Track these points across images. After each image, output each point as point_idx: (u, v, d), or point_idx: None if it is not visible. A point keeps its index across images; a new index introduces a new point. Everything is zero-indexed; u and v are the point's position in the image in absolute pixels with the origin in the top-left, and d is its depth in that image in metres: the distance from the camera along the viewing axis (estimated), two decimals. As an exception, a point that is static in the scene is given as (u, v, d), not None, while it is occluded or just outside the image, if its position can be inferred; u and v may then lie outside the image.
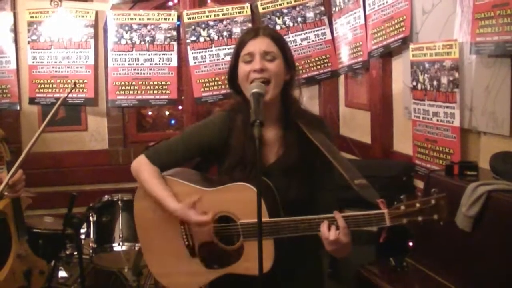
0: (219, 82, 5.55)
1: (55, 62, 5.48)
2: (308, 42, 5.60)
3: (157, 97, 5.60)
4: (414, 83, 4.00)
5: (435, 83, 3.74)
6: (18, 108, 5.52)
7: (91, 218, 4.45)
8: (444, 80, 3.64)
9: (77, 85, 5.26)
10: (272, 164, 2.68)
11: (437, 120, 3.74)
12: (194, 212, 2.61)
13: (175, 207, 2.66)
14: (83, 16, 5.49)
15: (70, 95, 5.33)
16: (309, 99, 5.83)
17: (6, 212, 3.59)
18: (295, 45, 5.55)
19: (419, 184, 4.04)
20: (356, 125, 5.38)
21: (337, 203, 2.61)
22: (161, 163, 2.80)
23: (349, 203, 2.69)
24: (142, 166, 2.80)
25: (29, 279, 3.73)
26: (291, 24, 5.59)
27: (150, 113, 6.25)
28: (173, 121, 6.29)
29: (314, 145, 2.61)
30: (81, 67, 5.51)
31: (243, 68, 2.64)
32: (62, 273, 4.67)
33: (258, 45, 2.62)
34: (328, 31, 5.57)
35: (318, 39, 5.59)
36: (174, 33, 5.59)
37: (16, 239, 3.68)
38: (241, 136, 2.68)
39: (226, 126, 2.76)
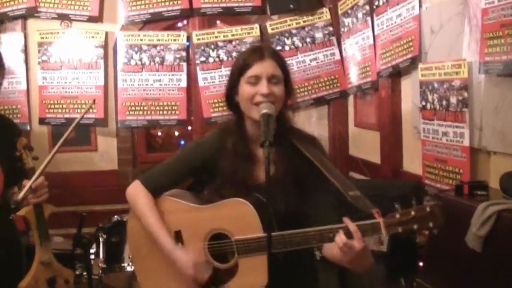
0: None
1: (65, 82, 5.53)
2: (317, 63, 5.62)
3: (167, 117, 5.63)
4: (423, 103, 3.98)
5: (444, 102, 3.73)
6: (28, 128, 5.55)
7: (100, 238, 4.46)
8: (453, 99, 3.63)
9: (95, 104, 5.29)
10: (264, 182, 2.67)
11: (447, 140, 3.72)
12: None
13: (167, 246, 2.67)
14: (93, 37, 5.53)
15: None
16: (318, 119, 5.83)
17: (29, 218, 3.61)
18: (304, 66, 5.57)
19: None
20: (365, 145, 5.36)
21: (335, 215, 2.58)
22: (156, 187, 2.78)
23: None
24: (137, 192, 2.79)
25: (53, 287, 3.73)
26: (300, 45, 5.61)
27: (159, 133, 6.26)
28: (182, 142, 6.29)
29: (307, 161, 2.62)
30: (91, 88, 5.55)
31: (247, 89, 2.62)
32: (72, 293, 4.67)
33: (266, 68, 2.61)
34: (337, 51, 5.60)
35: (327, 60, 5.61)
36: (184, 53, 5.62)
37: (39, 246, 3.69)
38: (231, 156, 2.67)
39: (217, 145, 2.75)
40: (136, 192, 2.79)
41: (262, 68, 2.62)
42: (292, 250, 2.45)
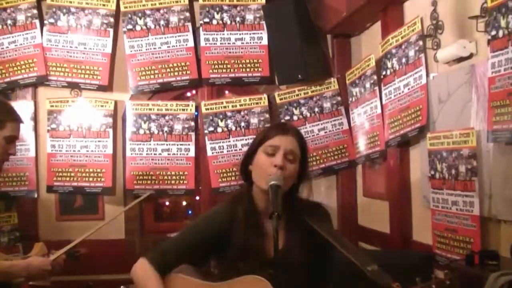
0: (237, 173, 5.53)
1: (73, 151, 5.53)
2: (325, 132, 5.63)
3: (175, 187, 5.60)
4: (432, 172, 3.96)
5: (453, 171, 3.70)
6: (36, 196, 5.53)
7: (106, 308, 4.41)
8: (462, 168, 3.60)
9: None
10: (276, 256, 2.64)
11: (456, 209, 3.68)
12: None
13: None
14: (102, 106, 5.56)
15: (88, 184, 5.48)
16: (327, 189, 5.79)
17: None
18: (312, 135, 5.59)
19: (440, 274, 3.93)
20: (374, 215, 5.31)
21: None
22: (165, 265, 2.73)
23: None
24: (143, 272, 2.74)
25: None
26: (308, 115, 5.64)
27: (167, 203, 6.23)
28: (190, 211, 6.25)
29: (317, 235, 2.61)
30: (99, 157, 5.54)
31: (262, 158, 2.65)
32: None
33: (286, 143, 2.66)
34: (345, 121, 5.61)
35: (335, 129, 5.62)
36: (192, 123, 5.64)
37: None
38: (242, 227, 2.67)
39: (227, 218, 2.75)
40: (143, 271, 2.73)
41: (284, 141, 2.67)
42: None
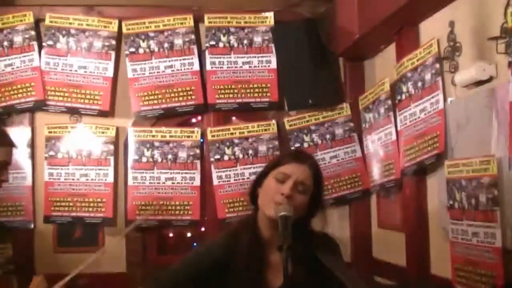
0: (245, 203, 5.33)
1: (72, 179, 5.37)
2: (337, 160, 5.47)
3: (179, 217, 5.44)
4: (451, 202, 3.79)
5: (473, 201, 3.53)
6: (32, 226, 5.36)
7: None
8: (482, 198, 3.44)
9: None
10: None
11: (477, 241, 3.50)
12: None
13: None
14: (103, 133, 5.41)
15: (87, 214, 5.33)
16: (339, 220, 5.63)
17: None
18: (324, 164, 5.40)
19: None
20: (390, 247, 5.15)
21: None
22: None
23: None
24: None
25: None
26: (319, 142, 5.48)
27: (171, 234, 6.05)
28: (195, 244, 6.06)
29: (326, 269, 2.55)
30: (99, 185, 5.38)
31: (271, 184, 2.62)
32: None
33: (299, 172, 2.61)
34: (358, 148, 5.46)
35: (348, 157, 5.47)
36: (197, 151, 5.48)
37: None
38: (245, 258, 2.61)
39: (229, 248, 2.69)
40: None
41: (296, 170, 2.62)
42: None
